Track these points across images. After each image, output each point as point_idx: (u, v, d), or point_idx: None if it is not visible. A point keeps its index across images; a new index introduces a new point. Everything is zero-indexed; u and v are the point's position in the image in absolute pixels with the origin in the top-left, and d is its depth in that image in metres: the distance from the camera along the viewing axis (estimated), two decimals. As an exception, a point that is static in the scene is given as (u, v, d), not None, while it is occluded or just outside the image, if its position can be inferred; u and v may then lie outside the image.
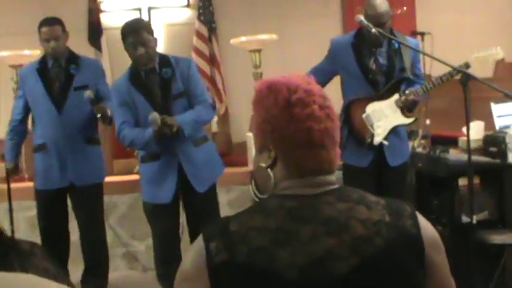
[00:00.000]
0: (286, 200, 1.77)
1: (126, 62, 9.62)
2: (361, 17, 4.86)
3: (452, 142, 6.38)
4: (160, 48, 9.73)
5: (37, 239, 6.11)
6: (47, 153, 5.34)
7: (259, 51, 7.38)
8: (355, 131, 5.04)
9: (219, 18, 9.93)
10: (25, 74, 5.47)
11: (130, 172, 6.59)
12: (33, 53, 7.50)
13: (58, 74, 5.36)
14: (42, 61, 5.43)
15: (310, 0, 10.22)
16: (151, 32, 4.83)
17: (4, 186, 6.03)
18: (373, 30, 4.81)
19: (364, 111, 5.03)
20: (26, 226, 6.02)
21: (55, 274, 2.00)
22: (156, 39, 4.85)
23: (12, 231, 6.00)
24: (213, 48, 9.77)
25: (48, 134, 5.32)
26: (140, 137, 4.68)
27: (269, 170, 1.82)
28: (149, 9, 9.85)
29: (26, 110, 5.47)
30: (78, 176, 5.32)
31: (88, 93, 5.02)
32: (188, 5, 10.02)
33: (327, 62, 5.18)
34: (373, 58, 5.04)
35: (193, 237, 4.89)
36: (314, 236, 1.70)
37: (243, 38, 7.53)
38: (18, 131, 5.53)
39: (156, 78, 4.76)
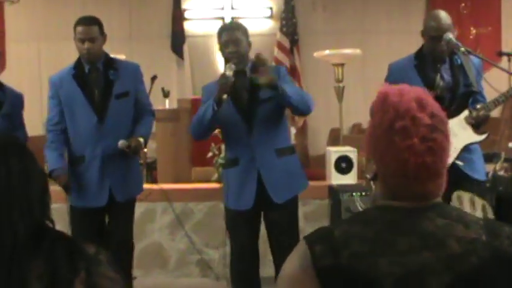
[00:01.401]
0: (385, 211, 1.79)
1: (207, 69, 9.78)
2: (450, 35, 4.75)
3: (536, 166, 6.22)
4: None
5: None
6: (86, 167, 4.95)
7: (342, 65, 7.32)
8: None
9: (301, 31, 9.96)
10: (59, 80, 5.01)
11: (207, 180, 6.59)
12: (118, 57, 7.58)
13: (97, 80, 4.94)
14: (77, 66, 5.00)
15: (393, 16, 10.18)
16: (245, 34, 4.68)
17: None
18: (462, 49, 4.72)
19: None
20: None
21: (120, 283, 1.99)
22: (250, 43, 4.72)
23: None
24: (294, 60, 9.80)
25: (88, 146, 4.93)
26: (201, 109, 4.59)
27: (372, 182, 1.84)
28: (232, 19, 9.92)
29: (63, 119, 4.98)
30: (118, 191, 4.96)
31: (121, 143, 4.82)
32: (271, 16, 10.09)
33: None
34: (438, 74, 4.92)
35: (273, 250, 4.85)
36: (411, 248, 1.71)
37: (327, 52, 7.50)
38: (61, 142, 5.02)
39: (246, 82, 4.61)
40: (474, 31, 10.18)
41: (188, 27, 10.08)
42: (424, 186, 1.76)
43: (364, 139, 1.85)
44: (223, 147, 6.34)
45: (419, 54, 4.99)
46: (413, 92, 1.80)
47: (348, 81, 7.72)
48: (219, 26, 4.84)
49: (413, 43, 9.60)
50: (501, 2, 10.27)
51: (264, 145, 4.65)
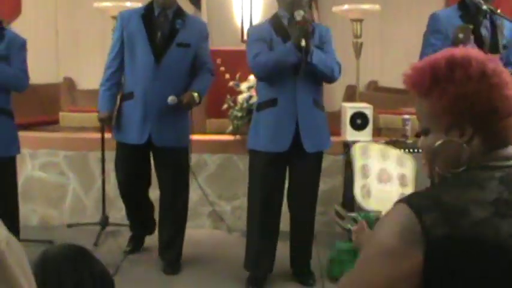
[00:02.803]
0: (494, 171, 1.74)
1: (224, 21, 9.69)
2: None
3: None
4: (260, 13, 9.70)
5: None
6: (133, 104, 5.17)
7: (360, 20, 7.26)
8: None
9: (320, -15, 9.84)
10: (128, 16, 5.25)
11: (222, 132, 6.57)
12: (134, 5, 7.52)
13: (163, 25, 5.16)
14: (148, 8, 5.23)
15: (414, -27, 10.03)
16: None
17: (98, 135, 6.11)
18: (484, 7, 4.66)
19: None
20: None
21: None
22: None
23: (103, 181, 6.09)
24: (313, 15, 9.68)
25: (139, 85, 5.13)
26: (280, 51, 4.71)
27: (464, 145, 1.76)
28: (249, -29, 9.83)
29: (122, 55, 5.24)
30: (159, 137, 5.18)
31: (171, 99, 5.01)
32: (290, -31, 9.92)
33: (440, 40, 4.79)
34: (481, 28, 4.84)
35: (290, 203, 4.96)
36: None
37: (346, 7, 7.42)
38: (115, 80, 5.29)
39: (297, 30, 4.63)
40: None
41: (206, -22, 9.98)
42: None
43: (436, 112, 1.78)
44: (239, 98, 6.31)
45: (462, 5, 4.89)
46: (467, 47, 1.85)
47: (366, 38, 7.65)
48: None
49: (433, 1, 9.49)
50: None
51: (306, 91, 4.78)
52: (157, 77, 5.09)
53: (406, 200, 1.68)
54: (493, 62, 1.75)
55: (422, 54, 4.87)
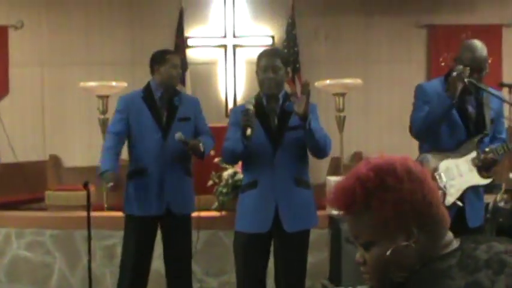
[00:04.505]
0: (449, 258, 1.79)
1: (209, 96, 9.80)
2: (461, 67, 4.66)
3: (536, 198, 6.20)
4: (243, 85, 9.83)
5: (113, 268, 6.19)
6: (147, 179, 5.40)
7: (343, 94, 7.36)
8: None
9: (303, 59, 10.00)
10: (130, 100, 5.54)
11: (208, 208, 6.58)
12: (120, 85, 7.64)
13: (164, 104, 5.48)
14: (146, 90, 5.55)
15: (394, 46, 10.22)
16: (285, 63, 4.81)
17: (84, 214, 6.11)
18: (467, 80, 4.62)
19: (436, 168, 4.74)
20: (103, 255, 6.08)
21: None
22: (288, 73, 4.90)
23: (89, 260, 6.07)
24: (296, 89, 9.82)
25: (151, 160, 5.39)
26: (232, 139, 4.71)
27: (413, 245, 1.81)
28: (234, 47, 10.01)
29: (125, 132, 5.45)
30: (175, 204, 5.41)
31: (178, 136, 5.20)
32: (273, 45, 10.09)
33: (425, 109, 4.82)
34: (466, 104, 4.80)
35: (276, 278, 4.91)
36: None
37: (328, 81, 7.53)
38: (119, 147, 5.49)
39: (276, 108, 4.73)
40: (475, 61, 10.20)
41: (190, 54, 10.13)
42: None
43: (386, 218, 1.81)
44: (224, 175, 6.35)
45: (447, 79, 4.80)
46: (369, 157, 1.95)
47: (349, 110, 7.75)
48: (260, 52, 4.93)
49: (414, 72, 9.67)
50: (502, 33, 10.32)
51: (285, 171, 4.73)
52: (166, 152, 5.37)
53: None
54: (408, 159, 1.85)
55: (416, 120, 4.82)
